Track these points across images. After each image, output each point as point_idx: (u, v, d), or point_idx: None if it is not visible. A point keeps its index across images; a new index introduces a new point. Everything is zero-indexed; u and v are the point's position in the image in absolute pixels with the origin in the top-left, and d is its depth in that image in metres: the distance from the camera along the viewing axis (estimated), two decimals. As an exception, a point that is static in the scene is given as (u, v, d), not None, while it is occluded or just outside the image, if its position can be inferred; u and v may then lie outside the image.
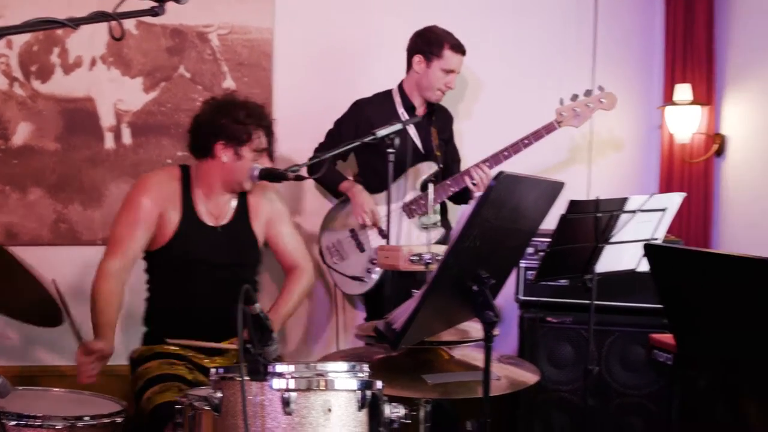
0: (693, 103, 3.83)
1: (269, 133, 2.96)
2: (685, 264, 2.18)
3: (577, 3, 4.15)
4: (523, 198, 1.92)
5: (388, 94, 3.68)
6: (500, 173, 1.69)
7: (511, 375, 2.50)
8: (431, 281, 1.80)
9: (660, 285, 2.31)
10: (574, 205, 2.70)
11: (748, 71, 3.77)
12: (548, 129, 3.47)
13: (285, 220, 3.16)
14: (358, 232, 3.56)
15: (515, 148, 3.46)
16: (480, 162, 3.48)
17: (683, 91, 3.84)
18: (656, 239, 2.98)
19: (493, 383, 2.36)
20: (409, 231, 3.52)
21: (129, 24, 3.74)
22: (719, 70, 3.94)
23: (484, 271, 1.93)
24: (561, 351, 3.51)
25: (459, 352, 2.57)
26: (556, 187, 2.09)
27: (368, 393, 1.96)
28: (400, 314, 1.84)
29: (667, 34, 4.05)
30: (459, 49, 3.54)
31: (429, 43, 3.54)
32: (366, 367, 2.00)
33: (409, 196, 3.54)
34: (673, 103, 3.87)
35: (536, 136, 3.47)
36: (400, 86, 3.67)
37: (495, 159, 3.48)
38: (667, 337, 2.95)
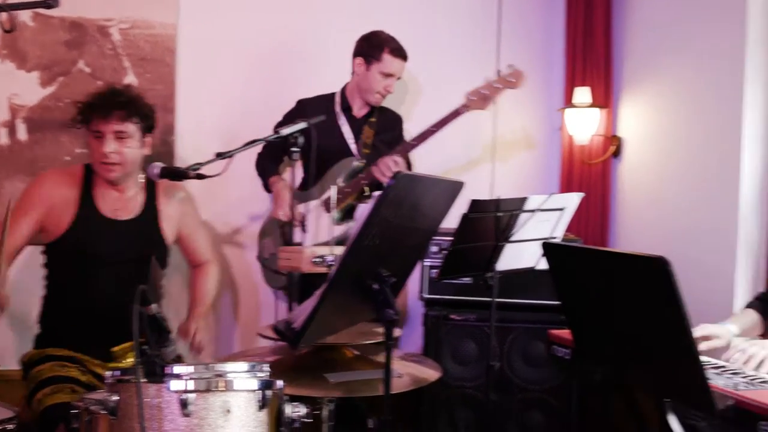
0: (592, 105, 3.96)
1: (133, 119, 2.90)
2: (579, 261, 2.25)
3: (482, 6, 4.22)
4: (423, 197, 1.94)
5: (331, 95, 3.73)
6: (398, 173, 1.70)
7: (414, 372, 2.52)
8: (330, 280, 1.80)
9: (557, 282, 2.38)
10: (475, 205, 2.74)
11: (643, 76, 3.92)
12: (455, 114, 3.47)
13: (195, 218, 3.20)
14: (285, 227, 3.58)
15: (423, 136, 3.49)
16: (390, 153, 3.51)
17: (582, 94, 3.96)
18: (555, 238, 3.05)
19: (394, 381, 2.38)
20: (326, 225, 3.54)
21: (25, 15, 3.62)
22: (616, 74, 4.08)
23: (384, 269, 1.95)
24: (464, 348, 3.57)
25: (362, 351, 2.59)
26: (456, 187, 2.12)
27: (268, 393, 1.95)
28: (300, 313, 1.83)
29: (567, 39, 4.17)
30: (399, 53, 3.59)
31: (370, 47, 3.59)
32: (266, 366, 1.99)
33: (331, 192, 3.57)
34: (573, 106, 3.99)
35: (443, 122, 3.48)
36: (344, 88, 3.73)
37: (404, 148, 3.51)
38: (566, 333, 3.03)
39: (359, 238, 1.74)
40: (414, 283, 3.66)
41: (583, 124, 3.99)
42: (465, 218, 2.74)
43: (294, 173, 2.98)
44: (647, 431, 2.58)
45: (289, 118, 3.61)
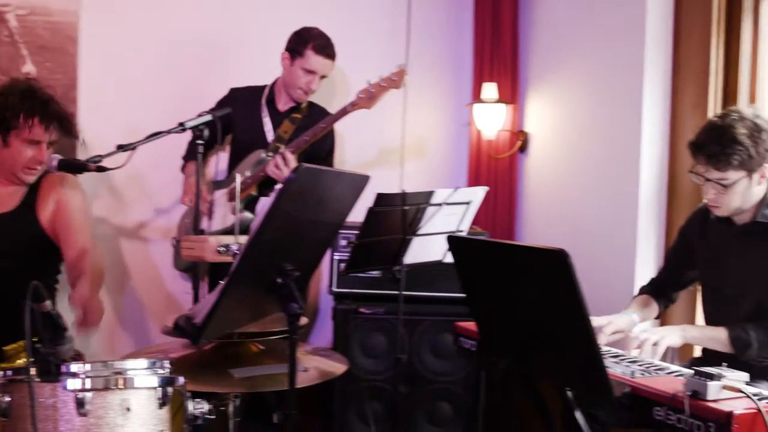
0: (498, 101, 4.02)
1: (55, 125, 2.86)
2: (482, 254, 2.29)
3: (393, 2, 4.24)
4: (327, 190, 1.93)
5: (262, 87, 3.72)
6: (299, 166, 1.69)
7: (321, 366, 2.52)
8: (231, 274, 1.78)
9: (461, 274, 2.40)
10: (381, 199, 2.75)
11: (549, 72, 4.01)
12: (343, 112, 3.47)
13: (73, 204, 3.03)
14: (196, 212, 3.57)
15: (314, 132, 3.48)
16: (283, 149, 3.50)
17: (490, 90, 4.02)
18: (461, 231, 3.09)
19: (300, 375, 2.38)
20: (228, 214, 3.54)
21: None
22: (523, 70, 4.16)
23: (288, 263, 1.94)
24: (374, 341, 3.58)
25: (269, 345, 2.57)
26: (361, 180, 2.12)
27: (169, 390, 1.92)
28: (201, 308, 1.80)
29: (475, 35, 4.21)
30: (323, 51, 3.55)
31: (297, 42, 3.57)
32: (167, 363, 1.96)
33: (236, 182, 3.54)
34: (481, 101, 4.04)
35: (332, 120, 3.49)
36: (275, 81, 3.71)
37: (296, 145, 3.49)
38: (472, 325, 3.07)
39: (260, 231, 1.72)
40: (326, 277, 3.66)
41: (491, 119, 4.05)
42: (371, 212, 2.75)
43: (201, 166, 2.93)
44: (550, 420, 2.63)
45: (220, 105, 3.59)
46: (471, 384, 3.61)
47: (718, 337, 2.54)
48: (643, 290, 2.98)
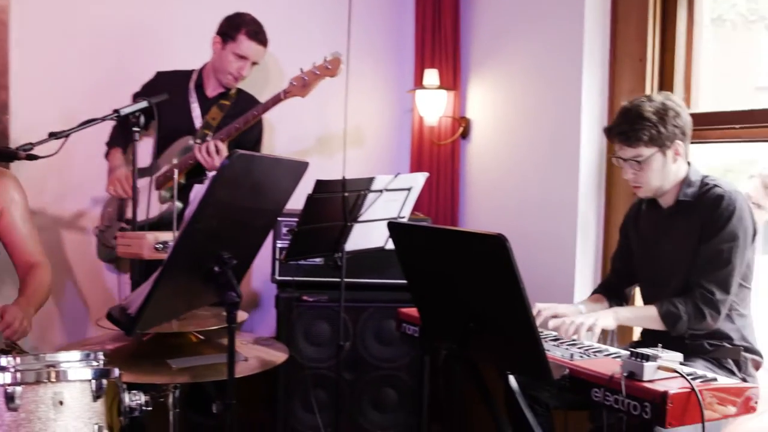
0: (440, 87, 4.02)
1: None
2: (422, 240, 2.29)
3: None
4: (263, 177, 1.90)
5: (190, 71, 3.64)
6: (234, 152, 1.66)
7: (262, 355, 2.51)
8: (165, 264, 1.74)
9: (402, 260, 2.41)
10: (320, 185, 2.73)
11: (490, 59, 4.02)
12: (275, 100, 3.41)
13: (19, 210, 2.85)
14: (120, 201, 3.55)
15: (245, 120, 3.42)
16: (214, 136, 3.45)
17: (431, 76, 4.02)
18: (403, 218, 3.09)
19: (241, 364, 2.36)
20: (154, 203, 3.47)
21: None
22: (464, 57, 4.16)
23: (225, 251, 1.91)
24: (318, 329, 3.56)
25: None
26: (300, 167, 2.09)
27: (104, 382, 1.88)
28: (135, 298, 1.77)
29: (417, 21, 4.21)
30: (256, 37, 3.50)
31: (229, 26, 3.51)
32: (101, 355, 1.92)
33: (163, 170, 3.47)
34: (423, 87, 4.04)
35: (265, 107, 3.43)
36: (203, 66, 3.64)
37: (227, 132, 3.44)
38: (414, 311, 3.08)
39: (194, 220, 1.69)
40: (266, 265, 3.62)
41: (432, 105, 4.05)
42: (310, 199, 2.73)
43: (136, 154, 2.87)
44: (493, 405, 2.65)
45: (146, 89, 3.52)
46: (415, 370, 3.62)
47: (650, 315, 2.60)
48: (596, 291, 3.02)
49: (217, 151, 3.36)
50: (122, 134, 3.56)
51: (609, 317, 2.59)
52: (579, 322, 2.53)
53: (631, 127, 2.58)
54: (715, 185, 2.60)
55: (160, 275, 1.72)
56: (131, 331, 1.80)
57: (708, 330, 2.55)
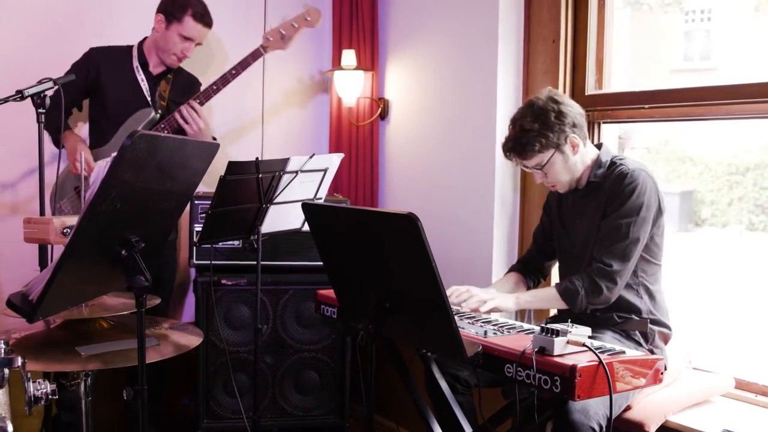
0: (358, 68, 4.01)
1: None
2: (336, 221, 2.28)
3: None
4: (170, 159, 1.86)
5: (128, 47, 3.54)
6: (135, 132, 1.61)
7: (176, 339, 2.46)
8: (66, 247, 1.69)
9: (318, 241, 2.39)
10: (233, 167, 2.70)
11: (406, 40, 4.02)
12: (255, 56, 3.44)
13: None
14: (82, 187, 3.39)
15: (223, 80, 3.43)
16: (191, 99, 3.42)
17: (349, 57, 4.00)
18: (320, 199, 3.07)
19: (154, 349, 2.32)
20: None
21: None
22: (382, 37, 4.15)
23: (132, 234, 1.87)
24: (237, 312, 3.53)
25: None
26: (211, 148, 2.06)
27: (6, 371, 1.81)
28: (36, 284, 1.71)
29: (334, 3, 4.19)
30: (202, 19, 3.45)
31: (174, 6, 3.43)
32: (3, 343, 1.85)
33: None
34: (341, 68, 4.01)
35: (243, 65, 3.44)
36: (141, 42, 3.54)
37: (205, 95, 3.44)
38: (332, 292, 3.08)
39: (95, 202, 1.64)
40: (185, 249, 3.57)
41: (350, 86, 4.03)
42: (222, 181, 2.69)
43: (42, 134, 2.77)
44: (412, 384, 2.67)
45: (77, 67, 3.41)
46: (337, 352, 3.63)
47: (550, 295, 2.67)
48: (512, 269, 3.06)
49: (198, 114, 3.39)
50: (61, 116, 3.44)
51: (510, 301, 2.66)
52: (481, 298, 2.60)
53: (518, 142, 2.66)
54: (621, 164, 2.67)
55: (62, 259, 1.67)
56: (32, 317, 1.74)
57: (607, 303, 2.61)
